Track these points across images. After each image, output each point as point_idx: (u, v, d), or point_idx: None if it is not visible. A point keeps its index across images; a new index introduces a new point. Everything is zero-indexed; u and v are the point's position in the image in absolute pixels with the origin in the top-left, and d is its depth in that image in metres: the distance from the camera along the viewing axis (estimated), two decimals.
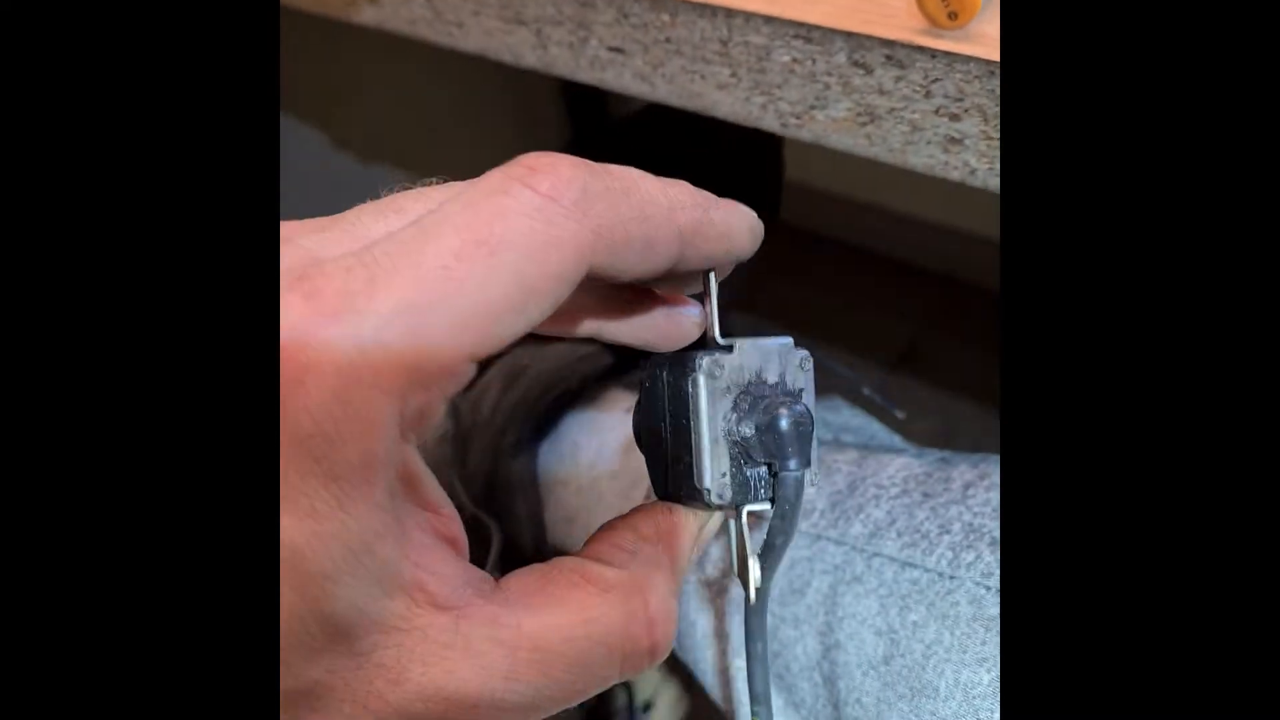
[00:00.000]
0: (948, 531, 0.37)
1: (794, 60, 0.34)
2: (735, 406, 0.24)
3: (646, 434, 0.26)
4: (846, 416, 0.53)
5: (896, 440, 0.51)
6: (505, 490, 0.56)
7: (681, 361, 0.24)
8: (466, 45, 0.43)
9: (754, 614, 0.26)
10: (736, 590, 0.43)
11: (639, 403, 0.26)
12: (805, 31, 0.33)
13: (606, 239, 0.20)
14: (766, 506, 0.24)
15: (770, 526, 0.24)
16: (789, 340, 0.25)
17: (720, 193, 0.24)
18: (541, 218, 0.19)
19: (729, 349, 0.24)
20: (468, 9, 0.42)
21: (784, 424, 0.23)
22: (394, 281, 0.17)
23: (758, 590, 0.25)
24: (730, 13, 0.34)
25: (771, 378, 0.24)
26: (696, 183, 0.23)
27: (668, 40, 0.37)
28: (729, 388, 0.24)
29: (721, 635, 0.44)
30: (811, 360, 0.25)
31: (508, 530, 0.56)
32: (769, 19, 0.34)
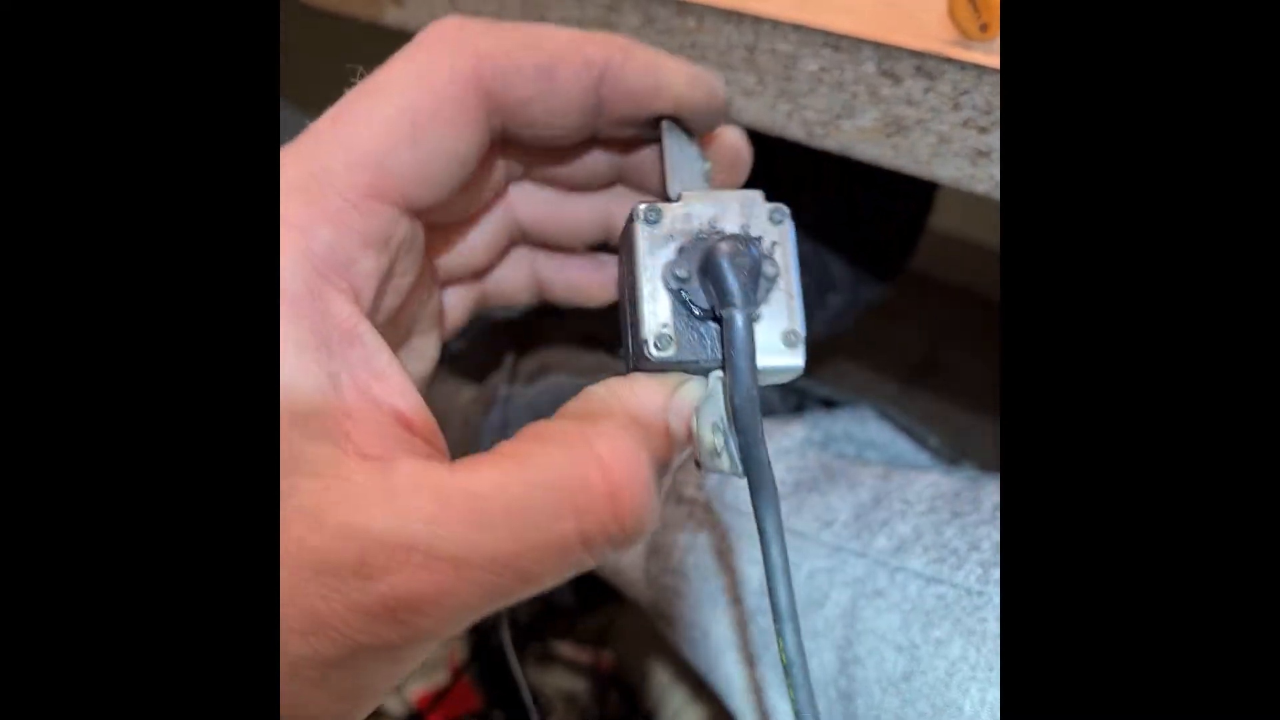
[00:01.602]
0: (977, 549, 0.37)
1: (821, 69, 0.34)
2: (680, 253, 0.21)
3: (619, 311, 0.24)
4: (873, 432, 0.52)
5: (923, 459, 0.51)
6: None
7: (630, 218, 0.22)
8: None
9: (765, 509, 0.21)
10: (757, 600, 0.43)
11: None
12: (834, 40, 0.33)
13: (490, 64, 0.20)
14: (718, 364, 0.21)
15: (728, 387, 0.21)
16: (756, 192, 0.22)
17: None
18: (419, 57, 0.20)
19: (677, 200, 0.22)
20: (489, 10, 0.41)
21: (719, 256, 0.20)
22: (294, 145, 0.20)
23: (741, 462, 0.21)
24: (758, 19, 0.34)
25: (729, 228, 0.22)
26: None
27: (693, 46, 0.36)
28: (672, 235, 0.22)
29: (738, 646, 0.43)
30: (786, 213, 0.22)
31: None
32: (797, 26, 0.33)
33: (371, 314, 0.20)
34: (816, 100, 0.34)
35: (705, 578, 0.45)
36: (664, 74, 0.22)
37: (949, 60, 0.31)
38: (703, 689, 0.53)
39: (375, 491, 0.17)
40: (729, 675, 0.44)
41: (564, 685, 0.72)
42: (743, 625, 0.43)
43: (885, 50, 0.32)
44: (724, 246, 0.20)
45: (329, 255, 0.19)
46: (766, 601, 0.22)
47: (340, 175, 0.19)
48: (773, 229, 0.22)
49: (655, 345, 0.21)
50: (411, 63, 0.20)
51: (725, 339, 0.20)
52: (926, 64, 0.31)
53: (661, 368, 0.21)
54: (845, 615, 0.39)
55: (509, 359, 0.61)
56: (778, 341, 0.22)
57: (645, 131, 0.24)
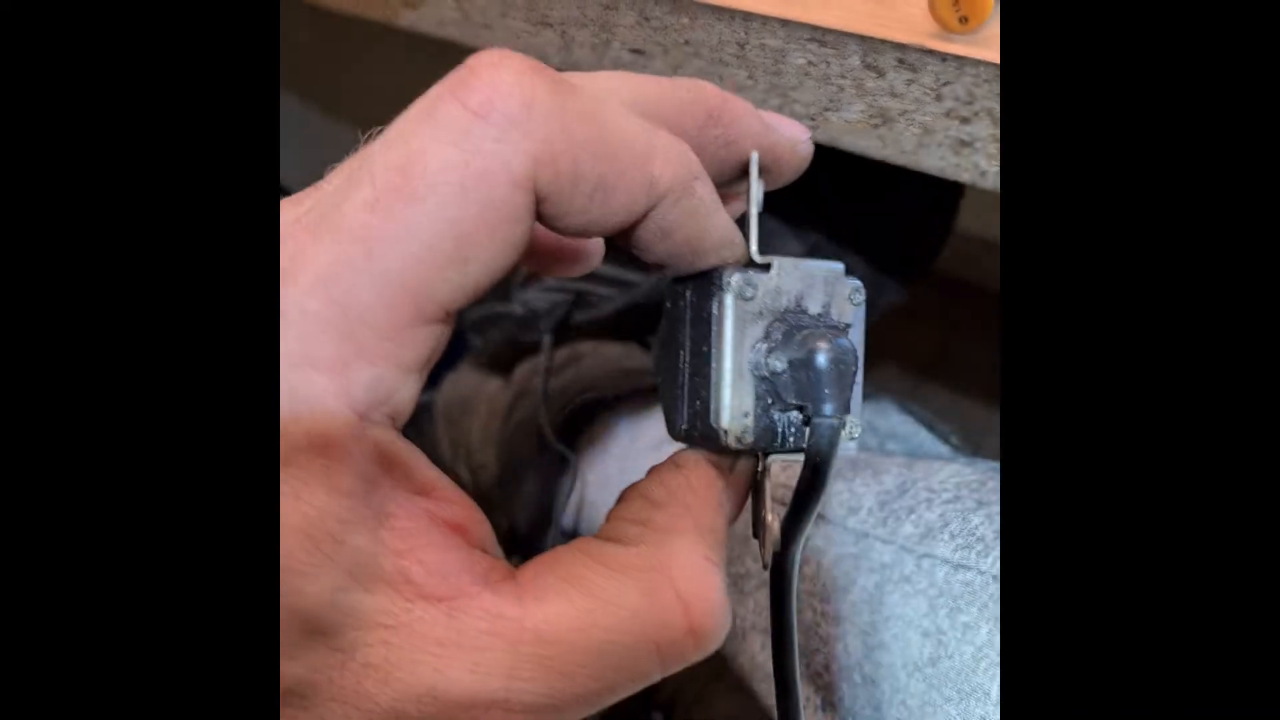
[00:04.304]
0: None
1: (809, 63, 0.35)
2: (766, 336, 0.20)
3: (664, 366, 0.23)
4: (895, 423, 0.52)
5: (944, 451, 0.51)
6: (519, 468, 0.57)
7: (708, 279, 0.21)
8: (494, 46, 0.44)
9: (782, 591, 0.22)
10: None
11: (660, 330, 0.23)
12: (819, 35, 0.34)
13: (549, 167, 0.17)
14: (796, 458, 0.21)
15: (798, 482, 0.20)
16: (839, 266, 0.22)
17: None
18: (467, 145, 0.16)
19: (766, 268, 0.21)
20: (495, 11, 0.43)
21: (822, 360, 0.20)
22: (314, 249, 0.16)
23: (777, 556, 0.22)
24: (747, 16, 0.35)
25: (814, 308, 0.21)
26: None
27: (686, 43, 0.37)
28: (761, 313, 0.20)
29: (763, 629, 0.44)
30: (864, 294, 0.22)
31: (512, 511, 0.57)
32: (784, 22, 0.34)
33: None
34: (805, 94, 0.35)
35: (729, 561, 0.46)
36: (712, 228, 0.20)
37: (930, 52, 0.32)
38: (725, 672, 0.54)
39: (446, 645, 0.17)
40: (754, 658, 0.44)
41: None
42: (767, 609, 0.43)
43: (869, 44, 0.33)
44: (826, 349, 0.20)
45: (368, 395, 0.17)
46: (766, 556, 0.22)
47: (376, 311, 0.17)
48: (849, 310, 0.22)
49: (736, 439, 0.20)
50: (462, 161, 0.16)
51: (811, 445, 0.20)
52: (909, 56, 0.32)
53: (721, 451, 0.21)
54: (871, 600, 0.39)
55: (547, 343, 0.61)
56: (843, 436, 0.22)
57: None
